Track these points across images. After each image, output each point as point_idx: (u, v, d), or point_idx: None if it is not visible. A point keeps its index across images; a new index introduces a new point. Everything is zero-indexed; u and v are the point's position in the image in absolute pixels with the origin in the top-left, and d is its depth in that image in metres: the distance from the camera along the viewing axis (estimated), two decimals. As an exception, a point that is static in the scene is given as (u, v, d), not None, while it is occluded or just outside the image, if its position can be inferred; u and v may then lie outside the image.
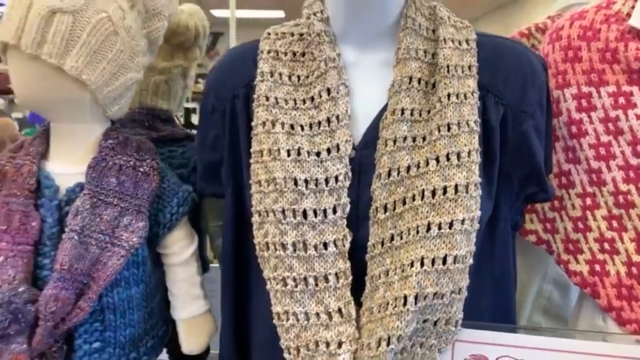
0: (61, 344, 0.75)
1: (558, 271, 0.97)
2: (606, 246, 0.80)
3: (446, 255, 0.63)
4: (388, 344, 0.62)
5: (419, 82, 0.71)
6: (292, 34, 0.77)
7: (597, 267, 0.81)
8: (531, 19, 1.12)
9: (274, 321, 0.68)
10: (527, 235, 0.90)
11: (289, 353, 0.67)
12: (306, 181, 0.68)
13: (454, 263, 0.63)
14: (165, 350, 1.00)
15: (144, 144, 0.84)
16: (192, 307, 0.86)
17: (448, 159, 0.66)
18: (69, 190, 0.78)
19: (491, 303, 0.75)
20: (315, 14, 0.75)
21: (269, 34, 0.78)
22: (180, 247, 0.85)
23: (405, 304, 0.62)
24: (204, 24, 1.10)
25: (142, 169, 0.80)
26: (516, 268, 0.81)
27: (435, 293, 0.63)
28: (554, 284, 1.09)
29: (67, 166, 0.80)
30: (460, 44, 0.72)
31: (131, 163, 0.80)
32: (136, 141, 0.83)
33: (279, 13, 8.88)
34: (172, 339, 0.92)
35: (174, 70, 1.10)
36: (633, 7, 0.78)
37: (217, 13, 7.66)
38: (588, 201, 0.81)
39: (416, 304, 0.62)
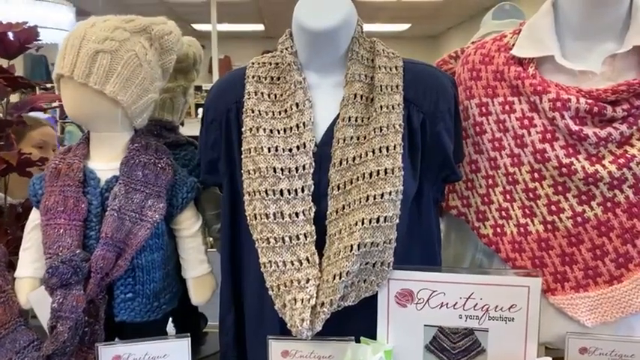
0: (104, 294, 1.01)
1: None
2: (503, 214, 1.08)
3: (379, 216, 0.90)
4: (340, 278, 0.89)
5: (361, 98, 0.98)
6: (270, 64, 1.04)
7: (498, 229, 1.09)
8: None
9: (261, 269, 0.94)
10: (450, 210, 1.17)
11: (272, 290, 0.93)
12: (282, 169, 0.95)
13: (384, 222, 0.90)
14: (170, 320, 1.24)
15: (160, 147, 1.11)
16: (199, 269, 1.12)
17: (380, 151, 0.93)
18: (107, 181, 1.04)
19: (421, 254, 1.02)
20: (286, 49, 1.02)
21: (253, 63, 1.05)
22: (189, 224, 1.12)
23: (351, 250, 0.89)
24: (200, 52, 1.37)
25: (160, 165, 1.07)
26: (440, 233, 1.09)
27: (372, 242, 0.90)
28: (483, 254, 1.35)
29: (104, 163, 1.06)
30: (390, 70, 1.00)
31: (152, 160, 1.06)
32: (154, 144, 1.10)
33: (259, 27, 9.11)
34: (176, 311, 1.15)
35: (176, 89, 1.35)
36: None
37: (198, 27, 7.93)
38: (490, 181, 1.09)
39: (359, 250, 0.89)
